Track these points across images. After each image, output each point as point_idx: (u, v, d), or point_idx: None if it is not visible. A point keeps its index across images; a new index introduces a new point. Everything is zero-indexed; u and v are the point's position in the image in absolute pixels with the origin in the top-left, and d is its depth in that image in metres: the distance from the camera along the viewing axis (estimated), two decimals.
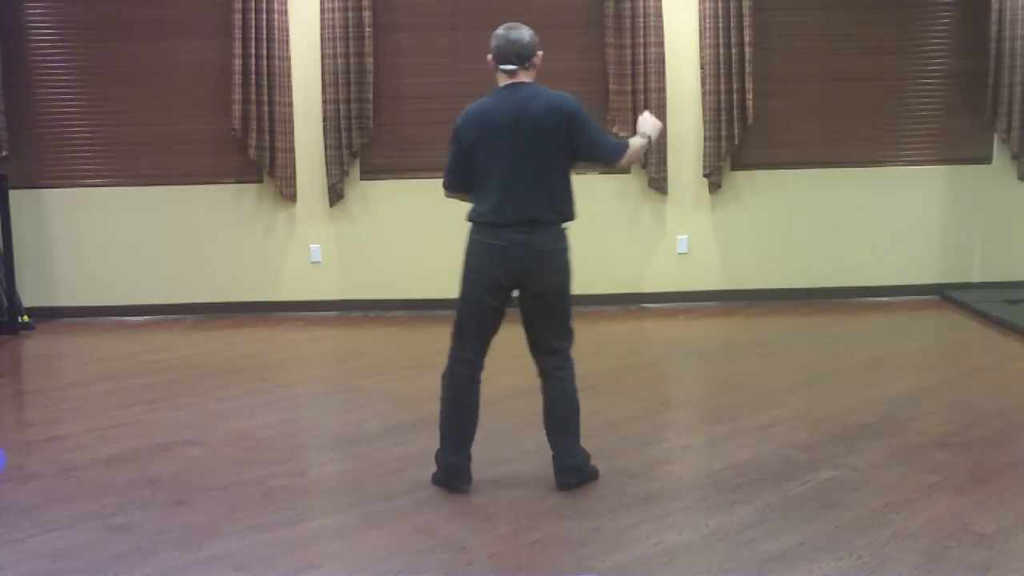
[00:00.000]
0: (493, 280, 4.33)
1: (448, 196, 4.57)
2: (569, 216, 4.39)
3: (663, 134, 8.22)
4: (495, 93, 4.37)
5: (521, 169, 4.27)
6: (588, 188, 8.45)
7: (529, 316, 4.45)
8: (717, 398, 6.05)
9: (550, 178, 4.32)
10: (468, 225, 4.43)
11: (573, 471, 4.43)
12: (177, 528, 4.10)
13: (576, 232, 9.11)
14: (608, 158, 4.48)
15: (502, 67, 4.34)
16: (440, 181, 4.58)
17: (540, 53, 4.38)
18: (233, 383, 6.41)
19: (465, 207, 4.51)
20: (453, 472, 4.43)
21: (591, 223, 8.73)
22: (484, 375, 4.52)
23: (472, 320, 4.42)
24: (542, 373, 4.49)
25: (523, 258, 4.28)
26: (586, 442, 5.00)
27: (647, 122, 4.59)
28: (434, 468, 4.54)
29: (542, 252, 4.31)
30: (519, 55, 4.32)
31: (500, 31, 4.37)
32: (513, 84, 4.34)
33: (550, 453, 4.89)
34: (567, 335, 4.49)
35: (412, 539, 3.96)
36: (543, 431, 5.21)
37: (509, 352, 7.18)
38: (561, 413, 4.46)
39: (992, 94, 8.32)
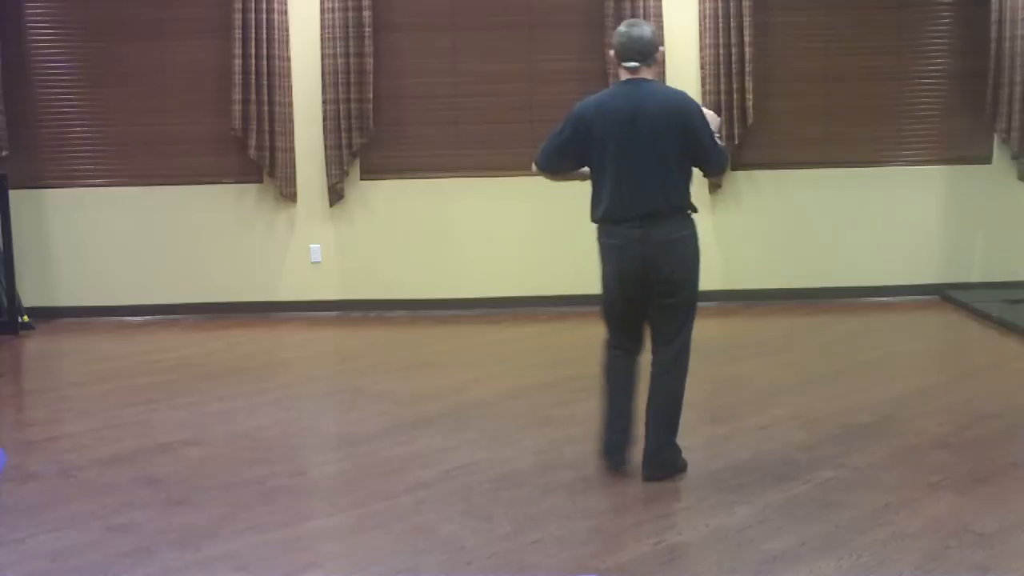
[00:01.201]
0: (619, 275, 4.43)
1: (536, 173, 4.63)
2: (687, 208, 4.42)
3: None
4: (614, 88, 4.47)
5: (636, 165, 4.32)
6: (588, 188, 8.46)
7: (652, 308, 4.48)
8: (717, 398, 6.04)
9: (665, 173, 4.33)
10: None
11: (658, 466, 4.48)
12: (177, 528, 4.09)
13: (576, 232, 9.10)
14: (712, 168, 4.52)
15: (624, 64, 4.39)
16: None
17: (662, 49, 4.50)
18: (233, 383, 6.41)
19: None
20: (607, 449, 4.55)
21: (591, 223, 8.77)
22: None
23: (613, 313, 4.55)
24: (653, 364, 4.52)
25: (642, 251, 4.34)
26: (586, 442, 5.01)
27: (711, 120, 4.55)
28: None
29: (660, 242, 4.34)
30: (641, 52, 4.37)
31: (622, 28, 4.43)
32: (633, 80, 4.39)
33: (551, 453, 4.91)
34: (685, 331, 4.51)
35: (412, 539, 3.96)
36: (543, 431, 5.24)
37: (509, 352, 7.22)
38: (660, 407, 4.51)
39: (992, 94, 8.32)
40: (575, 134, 4.43)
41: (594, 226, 4.51)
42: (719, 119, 4.60)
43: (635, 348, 4.57)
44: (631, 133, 4.30)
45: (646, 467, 4.48)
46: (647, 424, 4.51)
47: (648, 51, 4.37)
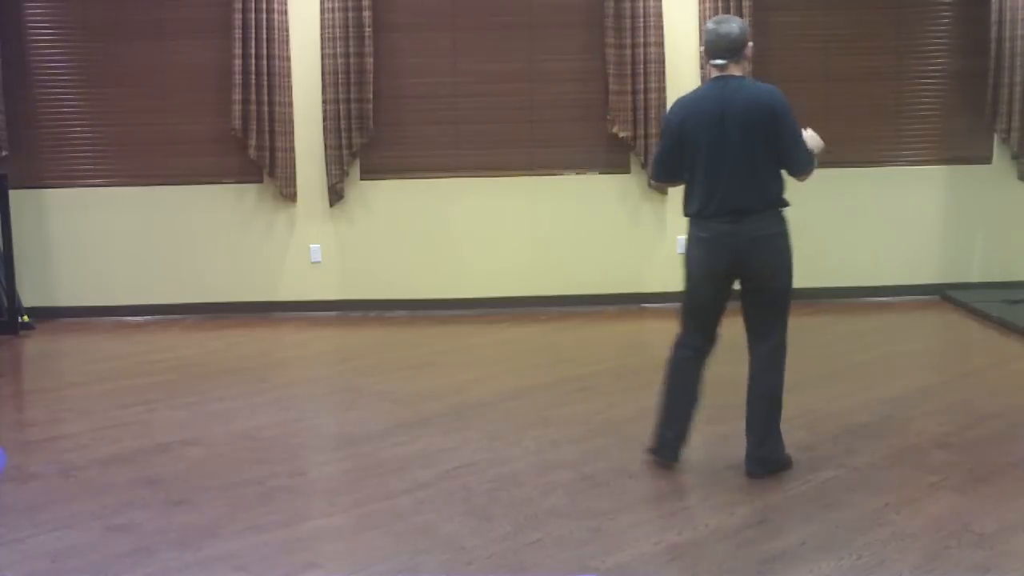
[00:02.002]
0: (708, 271, 4.46)
1: (654, 186, 4.76)
2: (778, 203, 4.47)
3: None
4: (706, 85, 4.55)
5: (726, 162, 4.37)
6: (588, 188, 8.49)
7: (744, 304, 4.54)
8: (717, 398, 6.02)
9: (755, 169, 4.39)
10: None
11: (761, 461, 4.51)
12: (177, 528, 4.09)
13: (576, 232, 9.08)
14: (796, 168, 4.52)
15: (712, 61, 4.46)
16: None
17: (751, 44, 4.50)
18: (233, 383, 6.41)
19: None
20: (662, 445, 4.60)
21: (591, 223, 8.81)
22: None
23: (692, 309, 4.58)
24: (752, 360, 4.58)
25: (733, 246, 4.39)
26: (586, 442, 5.02)
27: (811, 139, 4.66)
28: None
29: (751, 238, 4.39)
30: (729, 49, 4.42)
31: (711, 25, 4.49)
32: (722, 77, 4.45)
33: (551, 453, 4.91)
34: (779, 326, 4.56)
35: (412, 539, 3.96)
36: (543, 431, 5.24)
37: (509, 352, 7.22)
38: (762, 403, 4.54)
39: (992, 94, 8.32)
40: (669, 139, 4.51)
41: (685, 220, 4.59)
42: (822, 143, 4.67)
43: (707, 348, 4.61)
44: (720, 131, 4.37)
45: (749, 463, 4.52)
46: (749, 420, 4.55)
47: (736, 48, 4.43)
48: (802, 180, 4.56)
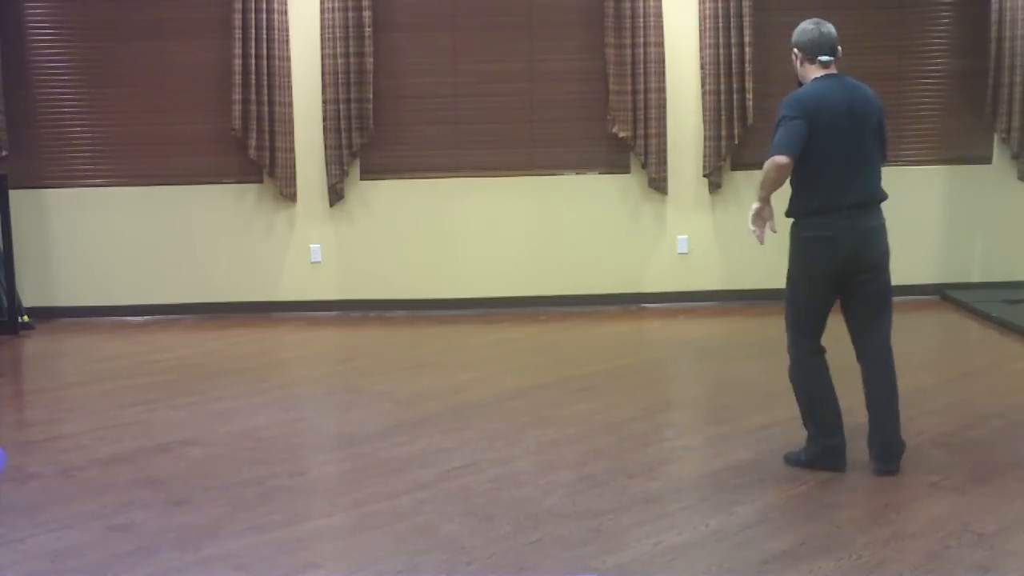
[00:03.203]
0: (828, 267, 4.48)
1: (781, 167, 4.39)
2: (884, 197, 4.60)
3: (663, 132, 8.22)
4: (823, 81, 4.54)
5: (853, 155, 4.45)
6: (588, 188, 8.48)
7: (853, 300, 4.59)
8: (717, 398, 6.05)
9: (873, 164, 4.52)
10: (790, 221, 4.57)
11: (894, 456, 4.53)
12: (177, 528, 4.09)
13: (576, 232, 9.07)
14: (886, 155, 4.68)
15: (821, 58, 4.55)
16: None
17: (840, 48, 4.63)
18: (233, 383, 6.41)
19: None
20: (833, 454, 4.55)
21: (591, 223, 8.80)
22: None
23: (810, 312, 4.56)
24: (867, 356, 4.66)
25: (852, 240, 4.44)
26: (586, 442, 5.01)
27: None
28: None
29: (868, 230, 4.49)
30: (832, 47, 4.57)
31: (809, 26, 4.60)
32: (834, 75, 4.57)
33: (551, 453, 4.91)
34: (890, 313, 4.70)
35: (412, 539, 3.96)
36: (543, 431, 5.24)
37: (509, 352, 7.21)
38: (890, 396, 4.62)
39: (992, 94, 8.32)
40: (808, 123, 4.42)
41: (789, 221, 4.57)
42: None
43: (823, 348, 4.64)
44: (850, 125, 4.44)
45: (883, 460, 4.50)
46: (879, 416, 4.57)
47: (836, 46, 4.58)
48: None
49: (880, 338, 4.64)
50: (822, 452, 4.56)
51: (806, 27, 4.62)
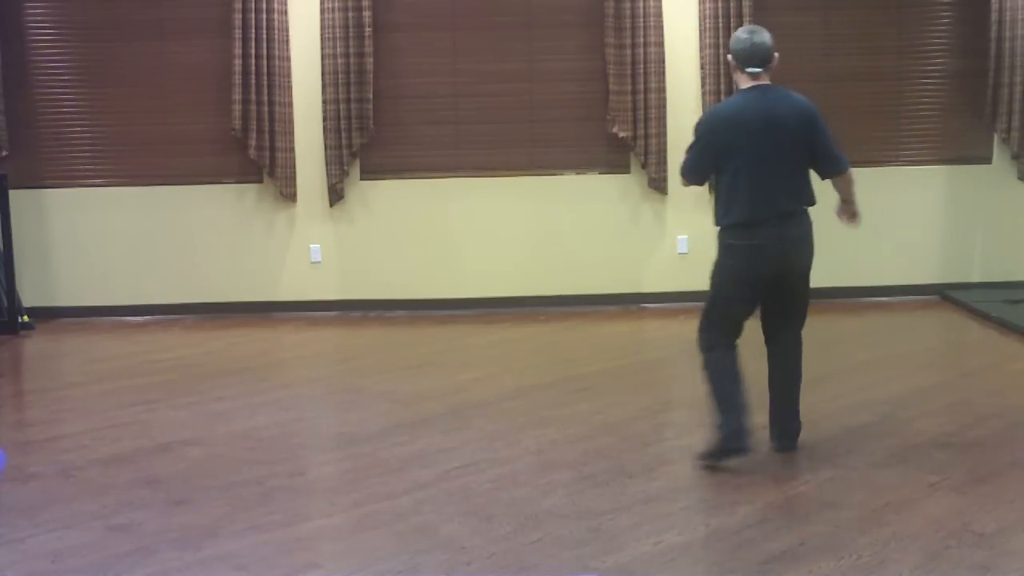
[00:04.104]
0: (752, 274, 4.56)
1: (685, 186, 4.87)
2: (811, 203, 4.63)
3: (663, 132, 8.22)
4: (743, 94, 4.57)
5: (772, 167, 4.49)
6: (588, 188, 8.48)
7: (772, 301, 4.70)
8: None
9: (797, 174, 4.57)
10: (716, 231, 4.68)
11: (792, 435, 4.80)
12: (177, 528, 4.10)
13: (576, 232, 9.08)
14: (834, 164, 4.68)
15: (748, 69, 4.54)
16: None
17: (777, 55, 4.58)
18: (233, 383, 6.41)
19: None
20: (739, 435, 4.56)
21: (591, 223, 8.80)
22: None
23: (732, 314, 4.66)
24: (779, 344, 4.83)
25: (781, 250, 4.52)
26: (586, 442, 5.02)
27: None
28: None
29: (796, 238, 4.57)
30: (763, 58, 4.53)
31: (743, 35, 4.59)
32: (760, 86, 4.55)
33: (551, 453, 4.91)
34: (803, 317, 4.82)
35: (412, 539, 3.96)
36: (543, 431, 5.24)
37: (509, 352, 7.21)
38: (795, 381, 4.84)
39: (992, 94, 8.32)
40: (708, 146, 4.56)
41: (716, 229, 4.67)
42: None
43: (736, 344, 4.73)
44: (767, 137, 4.46)
45: (783, 438, 4.77)
46: (781, 399, 4.81)
47: (769, 57, 4.54)
48: (843, 178, 4.74)
49: (792, 334, 4.83)
50: (730, 434, 4.56)
51: (740, 36, 4.61)
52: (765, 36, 4.56)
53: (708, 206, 8.40)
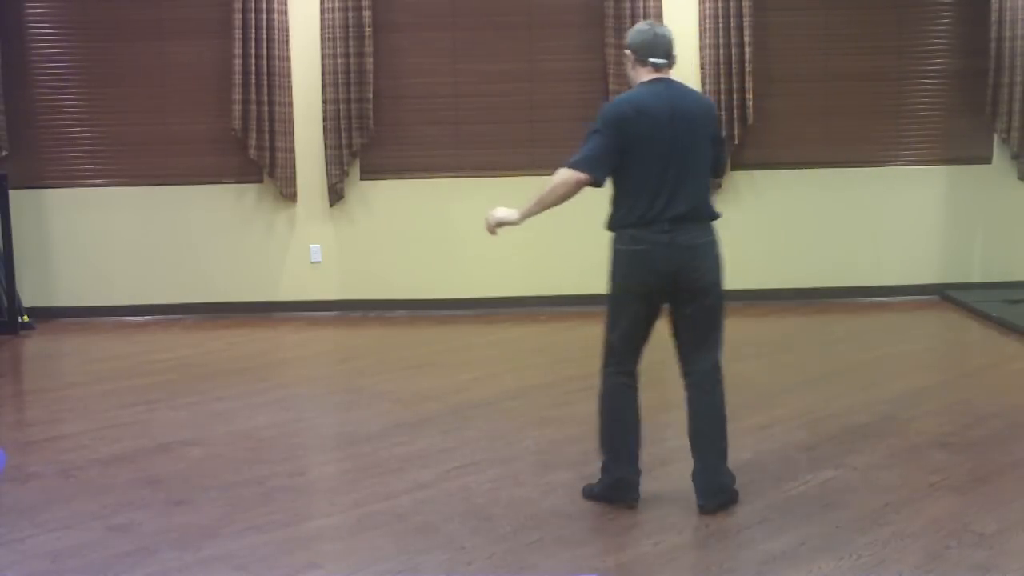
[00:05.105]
0: (644, 283, 4.16)
1: (578, 183, 4.21)
2: (713, 213, 4.25)
3: None
4: (648, 86, 4.23)
5: (675, 166, 4.14)
6: (588, 188, 8.46)
7: (678, 319, 4.24)
8: None
9: (699, 175, 4.23)
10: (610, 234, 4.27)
11: (718, 491, 4.17)
12: (177, 528, 4.09)
13: (576, 232, 9.09)
14: (719, 170, 4.50)
15: (652, 60, 4.22)
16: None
17: (675, 53, 4.34)
18: (233, 383, 6.41)
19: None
20: (624, 487, 4.21)
21: (591, 223, 8.75)
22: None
23: (625, 333, 4.22)
24: (694, 381, 4.26)
25: (672, 256, 4.11)
26: (586, 442, 5.00)
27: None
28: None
29: (691, 246, 4.14)
30: (666, 51, 4.25)
31: (644, 27, 4.33)
32: (663, 79, 4.24)
33: (551, 453, 4.91)
34: (716, 342, 4.26)
35: (412, 539, 3.96)
36: (543, 431, 5.23)
37: (509, 352, 7.21)
38: (715, 427, 4.22)
39: (992, 94, 8.32)
40: (615, 139, 4.14)
41: (609, 233, 4.28)
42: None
43: (636, 374, 4.30)
44: (672, 133, 4.14)
45: (706, 496, 4.15)
46: (701, 448, 4.21)
47: (671, 50, 4.28)
48: (718, 181, 4.56)
49: (708, 364, 4.22)
50: (614, 483, 4.22)
51: (641, 28, 4.32)
52: (667, 30, 4.30)
53: None
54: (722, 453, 4.22)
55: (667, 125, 4.13)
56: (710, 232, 4.21)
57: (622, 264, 4.19)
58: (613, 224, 4.23)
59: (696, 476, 4.19)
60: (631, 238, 4.14)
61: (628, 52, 4.30)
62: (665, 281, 4.13)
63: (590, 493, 4.30)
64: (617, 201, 4.22)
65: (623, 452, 4.23)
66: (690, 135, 4.17)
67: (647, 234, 4.11)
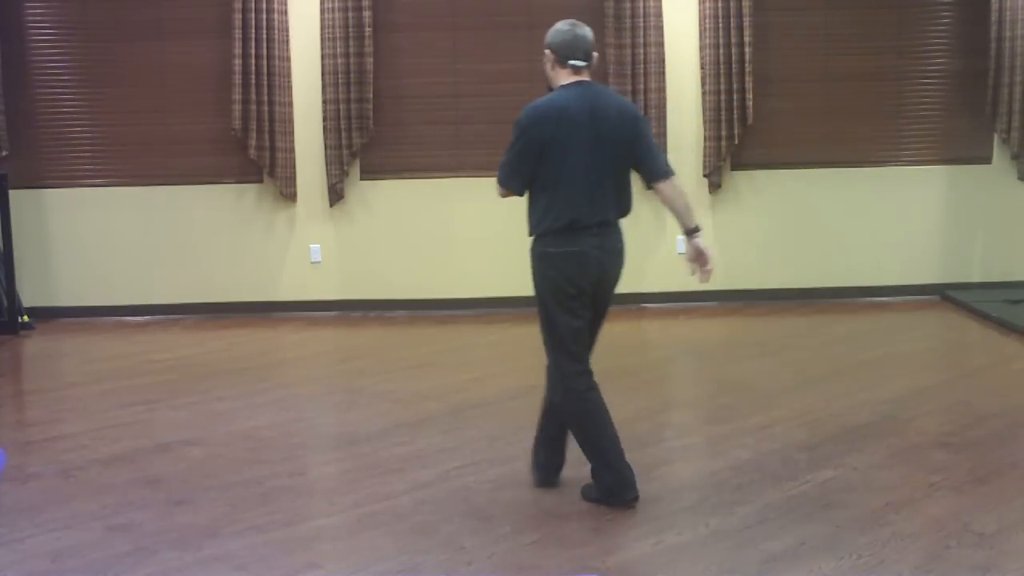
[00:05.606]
0: (579, 288, 4.16)
1: (503, 196, 4.31)
2: (627, 212, 4.28)
3: (663, 132, 8.23)
4: (566, 89, 4.20)
5: (596, 170, 4.13)
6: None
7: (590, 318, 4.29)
8: (717, 398, 6.05)
9: (619, 178, 4.22)
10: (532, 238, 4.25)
11: (634, 482, 4.23)
12: (177, 528, 4.10)
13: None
14: (659, 168, 4.24)
15: (571, 62, 4.19)
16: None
17: (596, 54, 4.30)
18: (233, 383, 6.41)
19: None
20: (621, 486, 4.17)
21: (531, 235, 8.74)
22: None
23: (569, 332, 4.20)
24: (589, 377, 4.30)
25: (600, 260, 4.16)
26: None
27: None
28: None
29: (613, 250, 4.22)
30: (586, 52, 4.21)
31: (564, 27, 4.24)
32: (583, 82, 4.21)
33: None
34: (597, 334, 4.40)
35: (412, 539, 3.96)
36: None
37: (509, 352, 7.21)
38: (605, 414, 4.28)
39: (992, 94, 8.32)
40: (531, 146, 4.16)
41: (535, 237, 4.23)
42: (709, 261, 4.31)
43: (591, 372, 4.28)
44: (592, 136, 4.11)
45: (632, 490, 4.18)
46: (615, 445, 4.22)
47: (591, 51, 4.22)
48: (669, 186, 4.24)
49: (590, 359, 4.32)
50: (611, 486, 4.17)
51: (560, 27, 4.23)
52: (587, 30, 4.22)
53: (708, 206, 8.44)
54: (618, 443, 4.23)
55: (588, 129, 4.12)
56: (622, 234, 4.28)
57: (554, 266, 4.14)
58: (540, 229, 4.17)
59: (624, 470, 4.17)
60: (563, 241, 4.12)
61: (547, 52, 4.25)
62: (594, 281, 4.16)
63: (589, 495, 4.28)
64: (541, 206, 4.17)
65: (611, 452, 4.20)
66: (609, 140, 4.13)
67: (578, 238, 4.11)
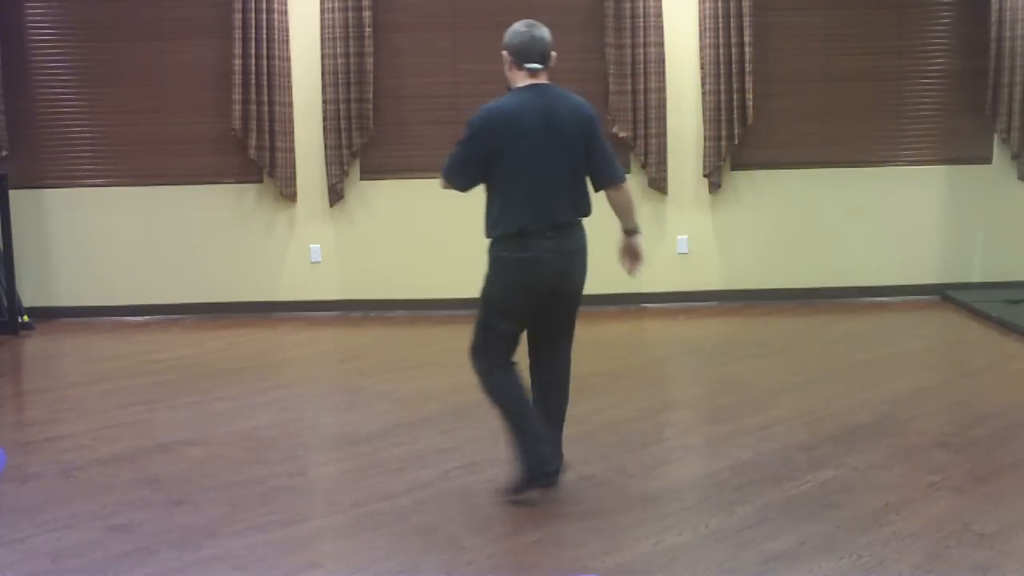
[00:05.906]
0: (529, 289, 4.16)
1: (444, 188, 4.33)
2: (587, 213, 4.30)
3: (663, 132, 8.23)
4: (520, 92, 4.21)
5: (550, 173, 4.14)
6: (588, 188, 8.47)
7: (543, 321, 4.30)
8: (717, 398, 6.05)
9: (574, 181, 4.22)
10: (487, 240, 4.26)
11: (561, 466, 4.32)
12: (177, 528, 4.09)
13: None
14: (608, 174, 4.28)
15: (527, 65, 4.21)
16: (437, 181, 4.46)
17: (554, 55, 4.29)
18: (233, 383, 6.41)
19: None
20: (541, 460, 4.19)
21: (591, 223, 8.75)
22: (475, 377, 4.48)
23: (499, 340, 4.25)
24: (546, 371, 4.36)
25: (555, 263, 4.16)
26: (586, 442, 5.00)
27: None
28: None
29: (570, 252, 4.23)
30: (543, 54, 4.21)
31: (521, 28, 4.24)
32: (539, 84, 4.23)
33: None
34: (572, 334, 4.41)
35: (412, 539, 3.96)
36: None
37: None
38: (561, 409, 4.41)
39: (992, 94, 8.32)
40: (480, 148, 4.18)
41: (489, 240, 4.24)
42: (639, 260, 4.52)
43: (513, 360, 4.33)
44: (545, 140, 4.12)
45: (557, 462, 4.28)
46: (552, 420, 4.34)
47: (548, 53, 4.22)
48: (619, 190, 4.31)
49: (563, 355, 4.38)
50: (530, 464, 4.18)
51: (518, 29, 4.24)
52: (545, 31, 4.23)
53: (708, 206, 8.44)
54: (561, 432, 4.37)
55: (540, 132, 4.12)
56: (584, 235, 4.29)
57: (508, 271, 4.17)
58: (495, 233, 4.19)
59: (550, 446, 4.25)
60: (517, 246, 4.13)
61: (504, 53, 4.25)
62: (547, 287, 4.17)
63: (513, 491, 4.25)
64: (496, 209, 4.18)
65: (529, 427, 4.21)
66: (565, 142, 4.15)
67: (532, 242, 4.12)
